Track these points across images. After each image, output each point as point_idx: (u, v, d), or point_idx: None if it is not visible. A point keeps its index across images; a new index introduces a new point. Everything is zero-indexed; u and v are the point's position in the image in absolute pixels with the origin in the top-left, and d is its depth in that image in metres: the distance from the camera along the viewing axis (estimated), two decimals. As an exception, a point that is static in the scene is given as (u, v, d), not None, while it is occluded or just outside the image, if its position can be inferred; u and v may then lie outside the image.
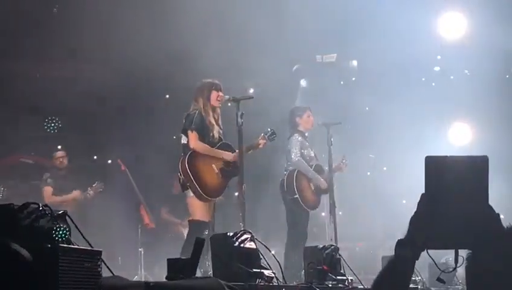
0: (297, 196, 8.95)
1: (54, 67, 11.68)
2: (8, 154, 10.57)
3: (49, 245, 3.62)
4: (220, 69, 9.85)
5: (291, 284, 6.21)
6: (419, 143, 11.04)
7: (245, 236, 5.72)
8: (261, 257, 5.78)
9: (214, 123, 7.74)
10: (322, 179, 9.21)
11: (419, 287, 7.56)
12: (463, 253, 2.16)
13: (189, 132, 7.62)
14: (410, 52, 11.78)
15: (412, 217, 2.12)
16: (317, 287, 5.95)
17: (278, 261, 6.08)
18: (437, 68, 13.08)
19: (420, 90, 12.52)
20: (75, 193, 10.05)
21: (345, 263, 6.99)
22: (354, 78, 13.12)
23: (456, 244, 2.11)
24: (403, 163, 10.94)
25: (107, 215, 10.35)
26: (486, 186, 2.10)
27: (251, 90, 10.87)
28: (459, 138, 12.91)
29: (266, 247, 6.01)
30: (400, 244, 2.13)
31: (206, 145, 7.66)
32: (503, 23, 11.10)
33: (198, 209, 7.58)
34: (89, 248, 4.01)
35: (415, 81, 12.74)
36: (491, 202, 2.11)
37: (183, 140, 7.74)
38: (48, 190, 10.04)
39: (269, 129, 8.24)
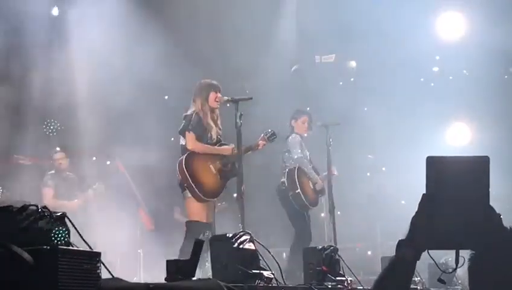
0: (299, 190, 8.94)
1: (53, 68, 11.66)
2: (7, 155, 10.55)
3: (48, 247, 3.61)
4: (218, 70, 9.87)
5: (291, 285, 6.20)
6: (418, 143, 11.05)
7: (244, 237, 5.71)
8: (260, 258, 5.78)
9: (212, 124, 7.74)
10: (319, 180, 9.21)
11: (418, 287, 7.56)
12: (463, 253, 2.15)
13: (187, 133, 7.62)
14: (408, 52, 11.80)
15: (412, 218, 2.12)
16: (317, 288, 5.94)
17: (277, 262, 6.07)
18: (436, 68, 13.10)
19: (419, 90, 12.53)
20: (74, 203, 10.01)
21: (344, 263, 6.98)
22: (352, 79, 13.13)
23: (457, 244, 2.10)
24: (401, 163, 10.95)
25: (106, 216, 10.33)
26: (487, 187, 2.09)
27: (249, 91, 10.85)
28: (458, 138, 12.93)
29: (265, 248, 6.00)
30: (400, 244, 2.13)
31: (204, 145, 7.66)
32: (501, 24, 11.12)
33: (196, 210, 7.57)
34: (88, 250, 4.00)
35: (414, 82, 12.75)
36: (491, 202, 2.11)
37: (182, 141, 7.73)
38: (48, 192, 10.02)
39: (269, 130, 8.24)
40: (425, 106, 12.07)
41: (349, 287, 6.57)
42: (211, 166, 7.71)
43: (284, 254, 9.77)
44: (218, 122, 7.86)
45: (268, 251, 6.08)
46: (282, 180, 9.15)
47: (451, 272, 2.24)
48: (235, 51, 10.78)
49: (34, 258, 3.35)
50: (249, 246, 5.71)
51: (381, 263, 8.47)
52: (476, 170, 2.10)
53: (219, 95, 7.75)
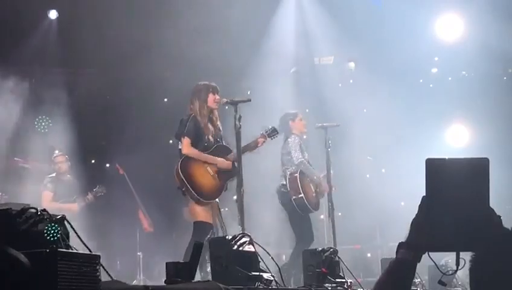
0: (302, 195, 8.89)
1: (53, 71, 11.68)
2: (7, 158, 10.54)
3: (48, 250, 3.61)
4: (217, 72, 9.86)
5: (291, 288, 6.20)
6: (417, 145, 11.05)
7: (244, 239, 5.71)
8: (260, 260, 5.78)
9: (211, 127, 7.70)
10: (323, 183, 9.17)
11: (418, 289, 7.56)
12: (464, 255, 2.15)
13: (182, 138, 7.59)
14: (407, 54, 11.80)
15: (413, 220, 2.11)
16: (316, 290, 5.95)
17: (277, 264, 6.07)
18: (434, 70, 13.10)
19: (418, 91, 12.54)
20: (72, 205, 10.00)
21: (344, 265, 6.98)
22: (351, 80, 13.12)
23: (457, 246, 2.10)
24: (401, 165, 10.95)
25: (105, 219, 10.33)
26: (487, 189, 2.09)
27: (248, 93, 10.86)
28: (457, 139, 12.93)
29: (265, 250, 6.00)
30: (401, 247, 2.13)
31: (199, 152, 7.60)
32: (500, 25, 11.12)
33: (200, 212, 7.54)
34: (88, 253, 4.00)
35: (413, 83, 12.76)
36: (491, 203, 2.11)
37: (180, 145, 7.71)
38: (47, 195, 10.00)
39: (270, 126, 8.19)
40: (424, 107, 12.08)
41: (349, 289, 6.57)
42: (207, 168, 7.69)
43: (284, 256, 9.77)
44: (218, 123, 7.83)
45: (268, 253, 6.07)
46: (282, 182, 9.11)
47: (451, 274, 2.24)
48: (233, 52, 10.77)
49: (34, 261, 3.35)
50: (249, 248, 5.71)
51: (381, 265, 8.47)
52: (476, 172, 2.10)
53: (217, 96, 7.73)
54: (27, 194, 9.90)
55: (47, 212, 3.91)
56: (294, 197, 8.91)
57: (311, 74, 12.83)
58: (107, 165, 11.61)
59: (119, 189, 10.81)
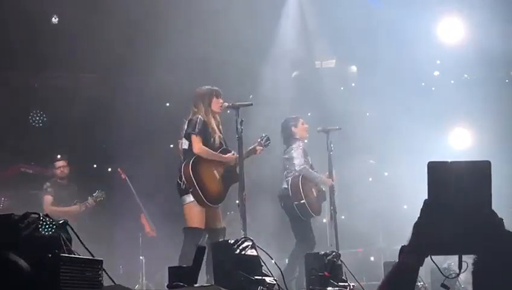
0: (303, 200, 8.90)
1: (54, 76, 11.70)
2: (9, 164, 10.56)
3: (50, 255, 3.61)
4: (219, 76, 9.86)
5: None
6: (419, 148, 11.04)
7: (246, 243, 5.71)
8: (263, 264, 5.77)
9: (216, 129, 7.73)
10: (326, 178, 9.15)
11: (421, 292, 7.55)
12: (466, 258, 2.15)
13: (193, 136, 7.57)
14: (409, 57, 11.80)
15: (415, 223, 2.11)
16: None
17: (279, 268, 6.06)
18: (437, 73, 13.09)
19: (420, 95, 12.52)
20: (74, 208, 10.00)
21: (347, 269, 6.97)
22: (353, 84, 13.12)
23: (460, 249, 2.10)
24: (403, 168, 10.94)
25: (107, 224, 10.33)
26: (489, 191, 2.09)
27: (250, 97, 10.87)
28: (459, 143, 12.91)
29: (268, 254, 5.99)
30: (403, 250, 2.12)
31: (209, 150, 7.63)
32: (502, 28, 11.12)
33: (195, 216, 7.51)
34: (90, 257, 4.00)
35: (415, 86, 12.75)
36: (493, 206, 2.10)
37: (184, 145, 7.69)
38: (47, 199, 10.01)
39: (264, 135, 8.23)
40: (426, 110, 12.06)
41: (352, 293, 6.56)
42: (215, 171, 7.70)
43: (286, 260, 9.76)
44: (220, 127, 7.86)
45: (271, 257, 6.07)
46: (284, 186, 9.11)
47: (454, 277, 2.23)
48: (235, 57, 10.78)
49: (36, 266, 3.34)
50: (251, 252, 5.70)
51: (383, 269, 8.45)
52: (478, 174, 2.10)
53: (221, 100, 7.74)
54: (29, 200, 9.92)
55: (49, 217, 3.91)
56: (296, 202, 8.91)
57: (313, 78, 12.84)
58: (109, 169, 11.61)
59: (122, 193, 10.82)
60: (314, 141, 9.62)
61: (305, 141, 9.42)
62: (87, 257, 3.96)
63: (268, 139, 8.20)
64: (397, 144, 11.54)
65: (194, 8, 10.44)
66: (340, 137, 9.57)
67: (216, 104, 7.72)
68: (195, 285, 4.86)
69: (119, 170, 11.01)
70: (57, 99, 11.18)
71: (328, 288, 6.31)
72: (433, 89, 13.03)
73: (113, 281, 4.29)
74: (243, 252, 5.63)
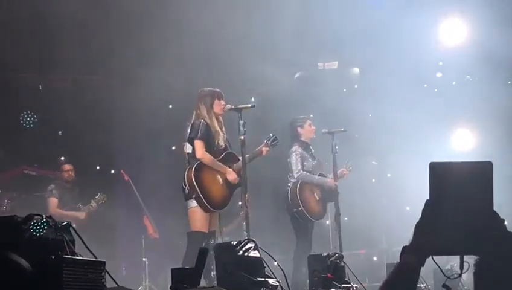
0: (301, 208, 8.93)
1: (57, 78, 11.70)
2: (12, 166, 10.57)
3: (53, 256, 3.61)
4: (221, 78, 9.87)
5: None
6: (422, 149, 11.03)
7: (249, 245, 5.71)
8: (265, 265, 5.77)
9: (219, 131, 7.73)
10: (328, 179, 9.16)
11: (424, 294, 7.55)
12: (468, 259, 2.15)
13: (196, 141, 7.57)
14: (411, 58, 11.79)
15: (416, 224, 2.12)
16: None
17: (282, 270, 6.06)
18: (439, 74, 13.07)
19: (422, 96, 12.51)
20: (79, 214, 10.04)
21: (350, 270, 6.97)
22: (356, 86, 13.11)
23: (461, 250, 2.10)
24: (406, 169, 10.92)
25: (110, 225, 10.34)
26: (491, 192, 2.09)
27: (252, 99, 10.87)
28: (461, 144, 12.90)
29: (270, 255, 6.00)
30: (405, 250, 2.12)
31: (212, 158, 7.61)
32: (504, 29, 11.10)
33: (199, 220, 7.53)
34: (93, 259, 4.00)
35: (417, 88, 12.73)
36: (495, 209, 2.10)
37: (188, 149, 7.70)
38: (53, 201, 10.04)
39: (271, 134, 8.21)
40: (429, 112, 12.05)
41: (355, 294, 6.56)
42: (218, 176, 7.71)
43: (289, 262, 9.76)
44: (223, 129, 7.86)
45: (274, 259, 6.07)
46: (287, 189, 9.13)
47: (456, 278, 2.23)
48: (237, 58, 10.78)
49: (39, 267, 3.35)
50: (254, 254, 5.71)
51: (386, 270, 8.45)
52: (479, 175, 2.10)
53: (223, 102, 7.75)
54: (32, 202, 9.93)
55: (52, 219, 3.92)
56: (294, 209, 8.96)
57: (316, 79, 12.83)
58: (112, 171, 11.62)
59: (125, 195, 10.82)
60: (318, 143, 9.62)
61: (308, 142, 9.40)
62: (90, 259, 3.97)
63: (275, 139, 8.18)
64: (400, 145, 11.53)
65: (197, 9, 10.44)
66: (343, 138, 9.57)
67: (218, 106, 7.73)
68: (198, 286, 4.87)
69: (122, 171, 11.02)
70: (59, 100, 11.18)
71: None
72: (436, 90, 13.02)
73: (115, 283, 4.30)
74: (246, 254, 5.63)
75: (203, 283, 6.76)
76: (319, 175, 9.28)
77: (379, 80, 12.08)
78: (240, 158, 7.62)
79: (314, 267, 6.61)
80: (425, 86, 13.13)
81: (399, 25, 11.10)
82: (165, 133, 10.90)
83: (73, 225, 4.10)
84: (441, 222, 2.07)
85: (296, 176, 9.02)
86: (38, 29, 10.33)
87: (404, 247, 2.13)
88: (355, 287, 6.74)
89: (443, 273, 2.26)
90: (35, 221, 3.76)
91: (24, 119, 10.41)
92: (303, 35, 11.46)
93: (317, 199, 9.17)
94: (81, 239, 4.12)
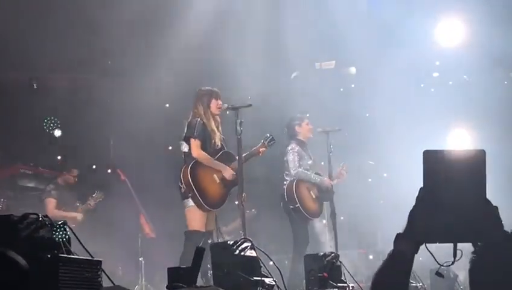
0: (298, 205, 8.92)
1: (54, 78, 11.68)
2: (8, 164, 10.55)
3: (49, 255, 3.61)
4: (218, 77, 9.86)
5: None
6: (418, 149, 10.94)
7: (245, 244, 5.71)
8: (262, 265, 5.77)
9: (216, 130, 7.73)
10: (324, 179, 9.15)
11: (420, 293, 7.55)
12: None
13: (192, 140, 7.59)
14: (408, 58, 11.79)
15: (410, 211, 2.13)
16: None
17: (278, 269, 6.06)
18: (436, 74, 13.09)
19: (419, 96, 12.52)
20: (77, 215, 10.03)
21: (346, 270, 6.98)
22: (353, 85, 13.11)
23: (455, 237, 2.11)
24: (402, 169, 10.93)
25: (107, 225, 10.32)
26: (484, 180, 2.11)
27: (249, 98, 10.86)
28: (458, 144, 12.91)
29: (267, 255, 6.00)
30: (398, 238, 2.14)
31: (208, 156, 7.62)
32: (501, 29, 11.12)
33: (196, 219, 7.54)
34: (89, 258, 4.00)
35: (414, 87, 12.74)
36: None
37: (184, 148, 7.70)
38: (51, 202, 10.03)
39: (268, 135, 8.21)
40: (425, 112, 12.07)
41: (351, 294, 6.57)
42: (214, 175, 7.71)
43: (286, 262, 9.76)
44: (220, 128, 7.86)
45: (270, 258, 6.07)
46: (282, 188, 9.13)
47: (449, 265, 2.24)
48: (235, 58, 10.78)
49: (35, 267, 3.35)
50: (250, 253, 5.71)
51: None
52: (473, 163, 2.12)
53: (220, 102, 7.75)
54: (28, 201, 9.91)
55: (48, 218, 3.91)
56: (291, 207, 8.95)
57: (313, 79, 12.83)
58: (109, 170, 11.60)
59: (121, 194, 10.80)
60: (314, 142, 9.63)
61: (310, 137, 9.40)
62: (86, 258, 3.97)
63: (272, 139, 8.17)
64: (396, 145, 11.53)
65: (194, 9, 10.44)
66: (340, 138, 9.57)
67: (214, 106, 7.73)
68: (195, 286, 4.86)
69: (118, 171, 11.01)
70: (55, 99, 11.16)
71: (327, 289, 6.31)
72: (433, 90, 13.03)
73: (112, 282, 4.30)
74: (242, 253, 5.63)
75: (199, 282, 6.77)
76: (315, 174, 9.28)
77: (376, 79, 12.09)
78: (237, 157, 7.62)
79: (311, 267, 6.61)
80: (422, 85, 13.14)
81: (396, 24, 11.11)
82: (162, 133, 10.89)
83: (71, 225, 4.09)
84: (435, 209, 2.08)
85: (293, 173, 9.01)
86: (36, 29, 10.31)
87: (397, 234, 2.14)
88: (352, 286, 6.75)
89: (436, 261, 2.27)
90: (31, 220, 3.76)
91: (47, 124, 10.44)
92: (300, 35, 11.45)
93: (314, 197, 9.17)
94: (77, 238, 4.11)
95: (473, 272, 2.11)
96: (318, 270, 6.51)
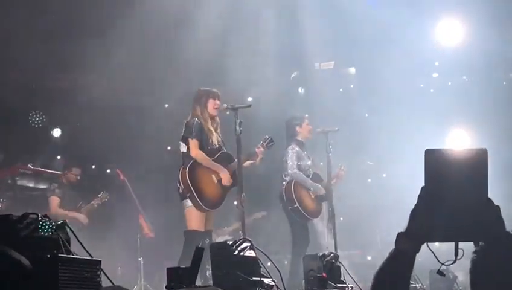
0: (297, 205, 8.91)
1: (53, 78, 11.69)
2: (8, 164, 10.56)
3: (49, 255, 3.61)
4: (218, 77, 9.87)
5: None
6: (418, 149, 10.97)
7: (245, 244, 5.71)
8: (261, 265, 5.78)
9: (213, 131, 7.73)
10: (320, 186, 9.17)
11: (419, 294, 7.55)
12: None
13: (190, 140, 7.59)
14: (408, 58, 11.80)
15: (412, 210, 2.13)
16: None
17: (278, 269, 6.07)
18: (435, 75, 13.10)
19: (418, 96, 12.53)
20: (81, 216, 10.03)
21: (345, 270, 6.98)
22: (352, 85, 13.12)
23: (456, 236, 2.11)
24: (402, 169, 10.94)
25: (106, 225, 10.32)
26: (486, 179, 2.11)
27: (249, 99, 10.87)
28: (457, 144, 12.91)
29: (266, 255, 6.00)
30: (400, 237, 2.14)
31: (206, 157, 7.63)
32: (500, 30, 11.13)
33: (195, 219, 7.54)
34: (89, 258, 4.00)
35: (414, 88, 12.75)
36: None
37: (183, 148, 7.70)
38: (55, 200, 10.03)
39: (267, 136, 8.20)
40: (425, 112, 12.07)
41: (350, 294, 6.57)
42: (212, 176, 7.70)
43: (286, 261, 9.76)
44: (218, 130, 7.86)
45: (269, 258, 6.07)
46: (281, 189, 9.13)
47: (450, 264, 2.24)
48: (234, 58, 10.79)
49: (35, 266, 3.35)
50: (250, 253, 5.71)
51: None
52: (475, 162, 2.11)
53: (217, 102, 7.74)
54: (28, 201, 9.92)
55: (48, 217, 3.91)
56: (290, 207, 8.94)
57: (312, 79, 12.84)
58: (108, 170, 11.60)
59: (120, 194, 10.81)
60: (313, 143, 9.62)
61: (309, 137, 9.40)
62: (86, 258, 3.97)
63: (271, 140, 8.16)
64: (395, 145, 11.54)
65: (194, 9, 10.45)
66: (339, 138, 9.58)
67: (211, 106, 7.73)
68: (194, 286, 4.87)
69: (117, 170, 11.01)
70: (55, 100, 11.17)
71: (327, 289, 6.32)
72: (432, 90, 13.04)
73: (111, 282, 4.29)
74: (242, 253, 5.63)
75: (198, 282, 6.77)
76: (314, 174, 9.28)
77: (375, 80, 12.10)
78: (236, 158, 7.62)
79: (310, 267, 6.61)
80: (422, 86, 13.15)
81: (395, 25, 11.11)
82: (161, 133, 10.89)
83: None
84: (436, 208, 2.08)
85: (290, 172, 9.00)
86: (35, 29, 10.31)
87: (399, 233, 2.14)
88: (351, 287, 6.75)
89: (437, 259, 2.27)
90: (30, 220, 3.76)
91: (33, 119, 10.43)
92: (300, 35, 11.46)
93: (313, 197, 9.17)
94: (77, 238, 4.12)
95: (474, 271, 2.11)
96: (317, 270, 6.51)
